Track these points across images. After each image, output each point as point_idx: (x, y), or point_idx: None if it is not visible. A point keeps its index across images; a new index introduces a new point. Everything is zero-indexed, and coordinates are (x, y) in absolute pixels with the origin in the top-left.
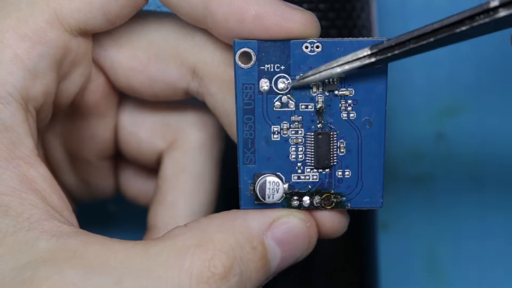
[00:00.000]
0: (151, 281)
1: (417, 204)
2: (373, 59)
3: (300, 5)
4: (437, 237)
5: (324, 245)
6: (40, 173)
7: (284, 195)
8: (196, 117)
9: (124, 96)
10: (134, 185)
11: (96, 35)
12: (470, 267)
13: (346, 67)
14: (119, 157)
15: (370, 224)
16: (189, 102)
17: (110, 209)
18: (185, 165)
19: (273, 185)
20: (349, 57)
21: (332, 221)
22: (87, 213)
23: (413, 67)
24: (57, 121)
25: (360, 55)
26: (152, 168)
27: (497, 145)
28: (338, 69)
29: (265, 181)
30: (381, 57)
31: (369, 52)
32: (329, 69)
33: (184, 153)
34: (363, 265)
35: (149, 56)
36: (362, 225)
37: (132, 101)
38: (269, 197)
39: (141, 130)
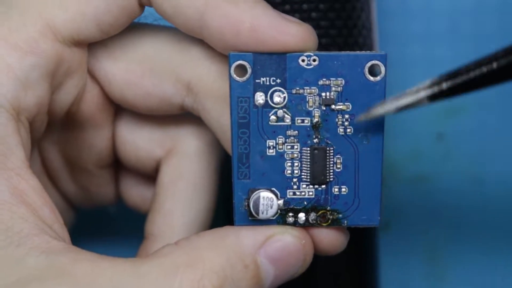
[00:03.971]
0: None
1: (417, 204)
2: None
3: (300, 6)
4: (437, 237)
5: None
6: (31, 185)
7: (279, 211)
8: (194, 125)
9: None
10: (135, 192)
11: (91, 47)
12: (470, 267)
13: (409, 99)
14: (119, 164)
15: None
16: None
17: (111, 212)
18: (183, 173)
19: (267, 200)
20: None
21: (329, 239)
22: (88, 216)
23: (413, 67)
24: (54, 130)
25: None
26: (151, 175)
27: (497, 145)
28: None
29: (259, 196)
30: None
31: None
32: (395, 101)
33: (182, 160)
34: (363, 265)
35: (144, 70)
36: None
37: (129, 110)
38: (262, 213)
39: (139, 138)
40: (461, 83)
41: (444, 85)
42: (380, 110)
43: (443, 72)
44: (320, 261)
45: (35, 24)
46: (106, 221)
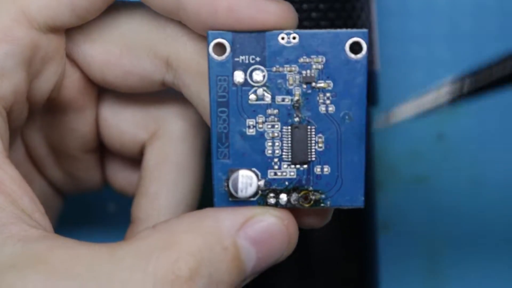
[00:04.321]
0: (115, 286)
1: (417, 204)
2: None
3: (301, 5)
4: (437, 237)
5: (323, 244)
6: (9, 175)
7: (259, 191)
8: (178, 107)
9: (103, 89)
10: (121, 176)
11: (68, 30)
12: (470, 267)
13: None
14: (104, 149)
15: (370, 224)
16: (170, 91)
17: (110, 209)
18: (168, 155)
19: (246, 178)
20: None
21: (314, 217)
22: (86, 212)
23: (413, 67)
24: (36, 117)
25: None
26: (137, 159)
27: (497, 145)
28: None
29: (238, 175)
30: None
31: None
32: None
33: (166, 143)
34: (363, 264)
35: (122, 49)
36: (362, 225)
37: (112, 93)
38: (241, 191)
39: (123, 121)
40: (483, 85)
41: (465, 88)
42: (399, 115)
43: (463, 73)
44: (318, 260)
45: (9, 12)
46: (104, 217)
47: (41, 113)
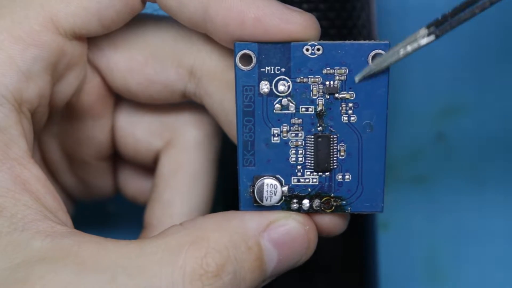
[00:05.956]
0: (145, 279)
1: (417, 204)
2: (432, 37)
3: (300, 5)
4: (437, 237)
5: (324, 244)
6: (33, 174)
7: (283, 198)
8: (193, 116)
9: (120, 96)
10: (133, 184)
11: (93, 37)
12: (470, 267)
13: (409, 48)
14: (117, 157)
15: (370, 224)
16: (185, 101)
17: (110, 209)
18: (182, 164)
19: (271, 187)
20: (409, 39)
21: (333, 223)
22: (87, 213)
23: (413, 67)
24: (54, 122)
25: (419, 35)
26: (150, 167)
27: (497, 145)
28: (402, 52)
29: (263, 183)
30: (441, 31)
31: (427, 32)
32: (393, 53)
33: (181, 151)
34: (363, 265)
35: (146, 57)
36: (362, 225)
37: (129, 101)
38: (266, 200)
39: (138, 129)
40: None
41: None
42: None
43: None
44: (319, 260)
45: (37, 17)
46: (105, 217)
47: (58, 119)
